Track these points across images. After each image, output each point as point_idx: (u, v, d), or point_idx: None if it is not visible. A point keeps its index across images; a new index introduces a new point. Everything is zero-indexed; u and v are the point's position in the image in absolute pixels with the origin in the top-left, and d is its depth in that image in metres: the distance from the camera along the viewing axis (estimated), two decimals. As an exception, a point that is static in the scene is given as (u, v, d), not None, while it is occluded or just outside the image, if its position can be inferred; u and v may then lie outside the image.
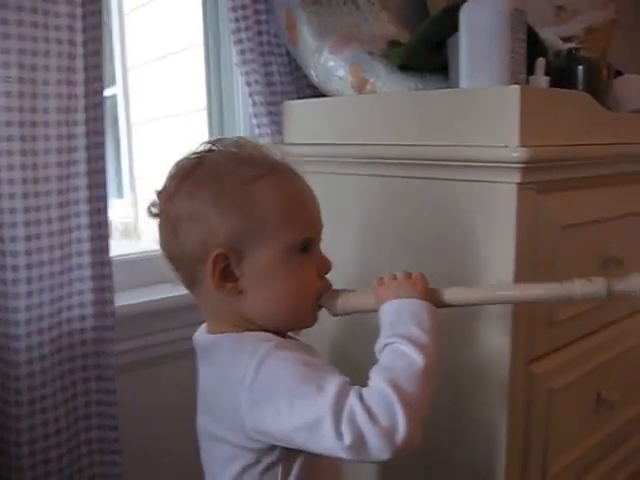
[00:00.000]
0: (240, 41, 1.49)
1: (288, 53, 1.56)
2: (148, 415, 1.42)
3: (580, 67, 1.45)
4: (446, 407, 1.22)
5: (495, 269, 1.11)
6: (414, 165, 1.21)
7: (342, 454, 0.73)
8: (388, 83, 1.36)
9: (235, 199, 0.84)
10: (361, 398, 0.74)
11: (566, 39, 1.61)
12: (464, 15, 1.21)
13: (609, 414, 1.44)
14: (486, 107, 1.10)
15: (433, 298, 0.88)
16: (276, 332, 0.88)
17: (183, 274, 0.89)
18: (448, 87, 1.28)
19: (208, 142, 0.91)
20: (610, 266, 1.35)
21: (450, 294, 0.89)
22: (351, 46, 1.43)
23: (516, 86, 1.07)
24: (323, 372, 0.78)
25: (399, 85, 1.34)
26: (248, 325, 0.87)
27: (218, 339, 0.88)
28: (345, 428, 0.72)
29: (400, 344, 0.79)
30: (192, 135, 1.89)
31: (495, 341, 1.14)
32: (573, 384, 1.30)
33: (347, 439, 0.72)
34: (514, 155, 1.05)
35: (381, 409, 0.73)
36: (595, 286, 0.85)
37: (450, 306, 0.89)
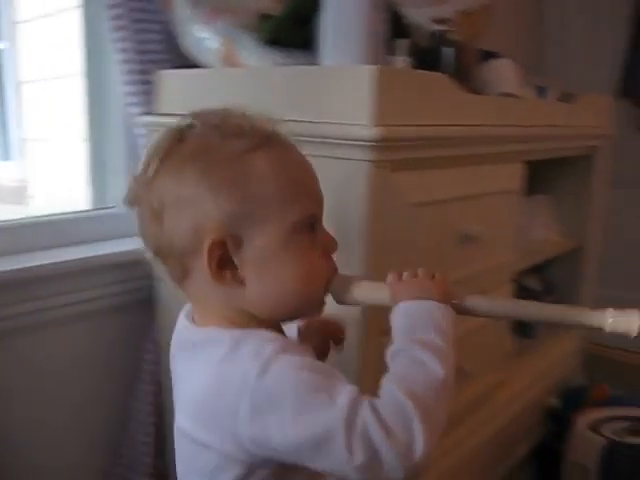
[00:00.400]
0: (115, 5, 1.46)
1: (164, 21, 1.54)
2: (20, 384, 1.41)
3: (447, 49, 1.50)
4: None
5: (348, 246, 1.14)
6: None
7: (351, 473, 0.66)
8: (256, 57, 1.37)
9: (226, 177, 0.74)
10: (376, 411, 0.67)
11: (440, 21, 1.66)
12: (329, -8, 1.23)
13: (466, 382, 1.51)
14: (344, 85, 1.13)
15: (454, 303, 0.81)
16: (274, 324, 0.81)
17: (171, 267, 0.79)
18: (313, 64, 1.30)
19: (186, 116, 0.80)
20: (467, 243, 1.41)
21: (473, 301, 0.83)
22: (223, 17, 1.43)
23: (371, 66, 1.09)
24: (332, 380, 0.70)
25: (266, 60, 1.35)
26: (247, 319, 0.78)
27: (214, 334, 0.77)
28: (357, 444, 0.65)
29: (418, 351, 0.72)
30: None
31: (349, 315, 1.17)
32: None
33: (359, 456, 0.65)
34: (368, 133, 1.08)
35: (398, 422, 0.66)
36: (627, 323, 0.78)
37: (469, 314, 0.83)
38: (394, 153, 1.13)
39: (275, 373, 0.69)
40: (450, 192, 1.35)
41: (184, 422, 0.78)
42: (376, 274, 1.15)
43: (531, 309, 0.86)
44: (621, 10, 2.83)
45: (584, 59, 3.03)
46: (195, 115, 0.80)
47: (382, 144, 1.09)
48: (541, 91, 1.83)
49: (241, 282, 0.76)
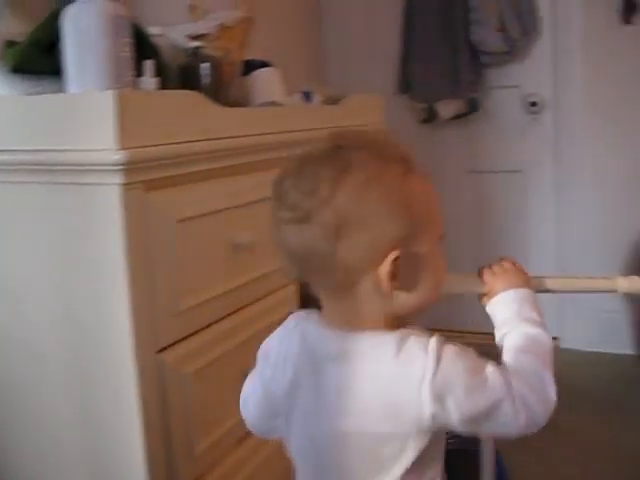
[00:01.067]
0: None
1: None
2: None
3: (204, 65, 1.54)
4: (77, 404, 1.24)
5: (108, 269, 1.15)
6: (21, 170, 1.19)
7: (515, 431, 0.86)
8: (5, 86, 1.33)
9: (399, 200, 0.84)
10: (522, 379, 0.86)
11: (197, 37, 1.69)
12: (67, 20, 1.22)
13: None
14: (88, 112, 1.12)
15: (535, 286, 1.03)
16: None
17: (332, 279, 0.86)
18: (61, 91, 1.28)
19: (331, 137, 0.91)
20: (240, 252, 1.45)
21: (546, 283, 1.07)
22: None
23: (112, 91, 1.10)
24: (479, 360, 0.86)
25: (14, 89, 1.32)
26: (394, 320, 0.88)
27: (379, 337, 0.86)
28: (520, 407, 0.84)
29: (531, 328, 0.94)
30: None
31: (119, 335, 1.17)
32: (211, 365, 1.38)
33: (522, 416, 0.84)
34: (114, 157, 1.08)
35: (538, 384, 0.87)
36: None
37: (544, 292, 1.06)
38: (145, 173, 1.15)
39: (446, 361, 0.83)
40: (217, 204, 1.38)
41: (357, 422, 0.86)
42: (144, 299, 1.17)
43: (576, 283, 1.15)
44: (395, 12, 3.00)
45: (367, 61, 3.19)
46: (339, 137, 0.90)
47: (130, 166, 1.10)
48: (307, 96, 1.91)
49: (404, 289, 0.87)
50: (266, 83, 1.76)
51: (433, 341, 0.84)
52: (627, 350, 2.91)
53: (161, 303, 1.22)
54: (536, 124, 2.94)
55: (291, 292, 1.71)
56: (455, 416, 0.83)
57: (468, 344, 0.85)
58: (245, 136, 1.45)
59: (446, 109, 2.89)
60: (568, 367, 2.80)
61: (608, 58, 2.80)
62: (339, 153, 0.86)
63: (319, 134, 1.75)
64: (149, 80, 1.29)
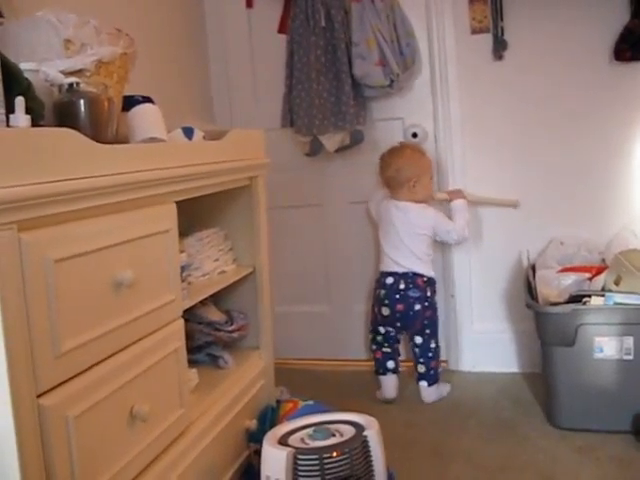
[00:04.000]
0: None
1: None
2: None
3: (80, 101, 1.51)
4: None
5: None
6: None
7: (452, 240, 2.87)
8: None
9: (418, 162, 2.86)
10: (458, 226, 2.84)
11: (77, 72, 1.66)
12: None
13: (144, 427, 1.53)
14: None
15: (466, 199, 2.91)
16: None
17: (401, 183, 2.84)
18: None
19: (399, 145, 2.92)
20: (122, 289, 1.43)
21: (472, 197, 2.95)
22: None
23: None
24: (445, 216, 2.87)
25: None
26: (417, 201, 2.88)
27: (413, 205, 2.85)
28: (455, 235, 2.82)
29: (463, 219, 2.85)
30: None
31: None
32: (96, 407, 1.35)
33: (455, 237, 2.82)
34: (-16, 198, 1.05)
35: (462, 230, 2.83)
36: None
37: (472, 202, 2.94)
38: (18, 213, 1.12)
39: (434, 214, 2.85)
40: (97, 242, 1.36)
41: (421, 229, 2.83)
42: (20, 342, 1.14)
43: (483, 197, 2.99)
44: (280, 47, 3.06)
45: (253, 96, 3.23)
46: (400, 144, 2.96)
47: (4, 206, 1.07)
48: (188, 132, 1.91)
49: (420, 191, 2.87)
50: (146, 119, 1.75)
51: (430, 209, 2.83)
52: (511, 368, 3.04)
53: (40, 346, 1.19)
54: (419, 155, 3.05)
55: (177, 327, 1.70)
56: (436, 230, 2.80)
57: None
58: (124, 173, 1.44)
59: (331, 141, 2.95)
60: (455, 389, 2.90)
61: (482, 93, 2.95)
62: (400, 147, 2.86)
63: (200, 170, 1.79)
64: (21, 117, 1.26)
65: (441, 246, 3.06)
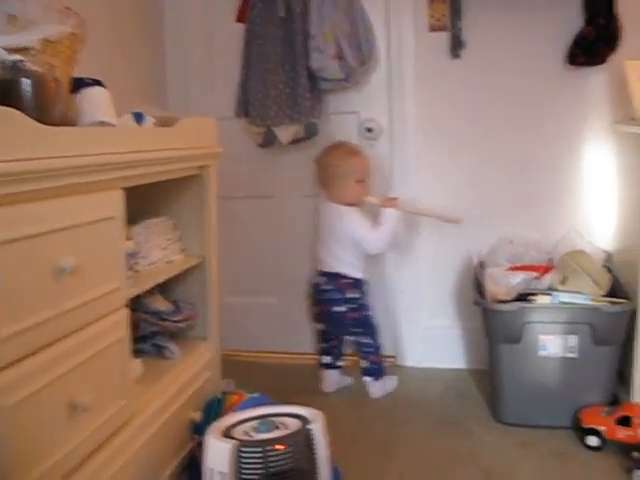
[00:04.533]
0: None
1: None
2: None
3: (25, 80, 1.46)
4: None
5: None
6: None
7: (369, 248, 2.75)
8: None
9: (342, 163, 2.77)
10: (380, 234, 2.72)
11: (21, 50, 1.61)
12: None
13: (84, 417, 1.49)
14: None
15: (400, 208, 2.75)
16: None
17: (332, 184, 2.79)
18: None
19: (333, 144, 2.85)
20: (64, 276, 1.40)
21: (408, 207, 2.82)
22: None
23: None
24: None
25: None
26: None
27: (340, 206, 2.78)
28: (375, 243, 2.73)
29: (389, 228, 2.70)
30: None
31: None
32: (35, 396, 1.32)
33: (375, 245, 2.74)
34: None
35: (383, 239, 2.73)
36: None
37: (408, 212, 2.85)
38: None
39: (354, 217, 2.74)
40: (39, 227, 1.33)
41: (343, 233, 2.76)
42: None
43: (423, 210, 2.92)
44: (236, 37, 3.02)
45: (209, 84, 3.20)
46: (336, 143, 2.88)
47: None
48: (138, 117, 1.88)
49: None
50: (95, 102, 1.71)
51: (354, 213, 2.73)
52: (458, 365, 3.07)
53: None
54: (373, 150, 3.04)
55: (122, 316, 1.67)
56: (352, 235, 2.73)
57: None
58: (70, 156, 1.40)
59: (285, 133, 2.93)
60: (402, 384, 2.91)
61: (438, 90, 2.96)
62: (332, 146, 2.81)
63: (149, 156, 1.76)
64: (-39, 96, 1.22)
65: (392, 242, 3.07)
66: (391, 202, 2.73)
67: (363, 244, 2.73)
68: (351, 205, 2.74)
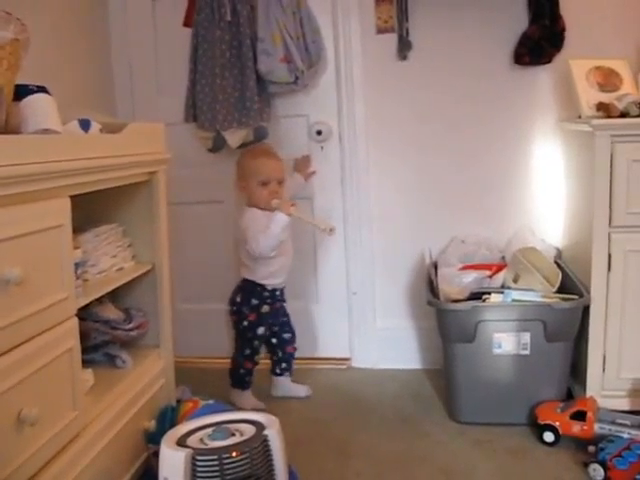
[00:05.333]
0: None
1: None
2: None
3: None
4: None
5: None
6: None
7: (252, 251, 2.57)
8: None
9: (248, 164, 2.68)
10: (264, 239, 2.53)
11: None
12: None
13: (33, 430, 1.46)
14: None
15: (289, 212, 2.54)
16: None
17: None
18: None
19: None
20: (10, 287, 1.37)
21: (294, 211, 2.55)
22: None
23: None
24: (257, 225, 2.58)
25: None
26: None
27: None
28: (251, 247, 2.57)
29: (274, 232, 2.51)
30: None
31: None
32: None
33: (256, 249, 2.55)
34: None
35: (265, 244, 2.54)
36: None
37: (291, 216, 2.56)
38: None
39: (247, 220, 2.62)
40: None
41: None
42: None
43: (304, 215, 2.74)
44: (183, 40, 2.99)
45: (156, 90, 3.16)
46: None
47: None
48: (84, 124, 1.84)
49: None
50: (39, 109, 1.67)
51: (248, 213, 2.62)
52: (413, 365, 3.08)
53: None
54: (323, 153, 3.04)
55: (71, 326, 1.64)
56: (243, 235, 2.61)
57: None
58: (13, 165, 1.37)
59: (234, 137, 2.91)
60: (358, 385, 2.92)
61: (387, 92, 2.98)
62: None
63: (96, 163, 1.73)
64: None
65: (344, 243, 3.07)
66: (285, 205, 2.55)
67: (248, 244, 2.59)
68: (260, 209, 2.63)
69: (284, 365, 2.85)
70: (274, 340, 2.81)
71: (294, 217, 2.58)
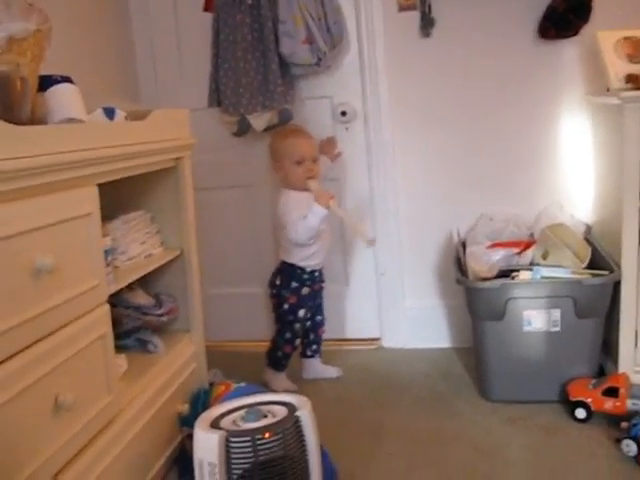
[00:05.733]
0: None
1: None
2: None
3: (-9, 80, 1.45)
4: None
5: None
6: None
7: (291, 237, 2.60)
8: None
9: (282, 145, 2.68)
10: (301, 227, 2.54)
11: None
12: None
13: (70, 415, 1.48)
14: None
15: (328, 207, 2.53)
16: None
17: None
18: None
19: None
20: (42, 275, 1.39)
21: (338, 211, 2.61)
22: None
23: None
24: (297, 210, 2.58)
25: None
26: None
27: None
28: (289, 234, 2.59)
29: (309, 221, 2.52)
30: None
31: None
32: (20, 397, 1.32)
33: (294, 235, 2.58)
34: None
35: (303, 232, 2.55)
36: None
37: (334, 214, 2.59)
38: None
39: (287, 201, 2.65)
40: (14, 227, 1.32)
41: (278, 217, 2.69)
42: None
43: (347, 217, 2.82)
44: (205, 26, 2.99)
45: (179, 76, 3.17)
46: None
47: None
48: (109, 113, 1.86)
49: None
50: (64, 99, 1.69)
51: (288, 196, 2.64)
52: (443, 344, 3.08)
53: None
54: (348, 134, 3.04)
55: (103, 312, 1.66)
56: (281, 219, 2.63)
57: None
58: (40, 155, 1.39)
59: (258, 121, 2.91)
60: (388, 365, 2.93)
61: (410, 70, 2.95)
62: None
63: (122, 151, 1.74)
64: None
65: (372, 224, 3.07)
66: (324, 198, 2.53)
67: (286, 230, 2.62)
68: (297, 189, 2.64)
69: (314, 347, 2.86)
70: (308, 323, 2.80)
71: (336, 214, 2.61)
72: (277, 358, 2.74)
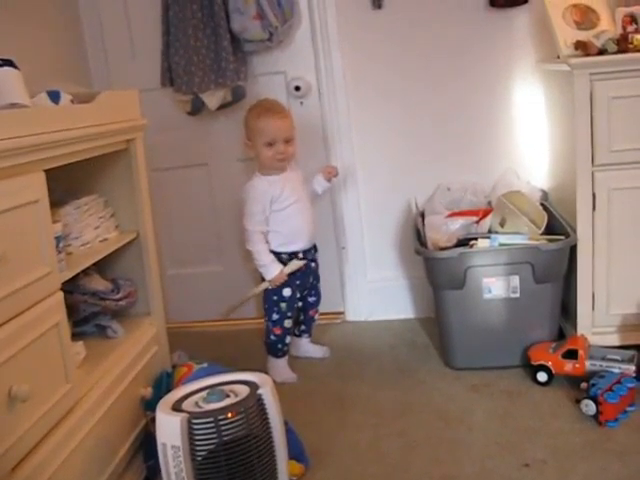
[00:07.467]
0: None
1: None
2: None
3: None
4: None
5: None
6: None
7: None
8: None
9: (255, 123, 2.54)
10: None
11: None
12: None
13: (26, 407, 1.46)
14: None
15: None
16: None
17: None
18: None
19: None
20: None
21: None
22: None
23: None
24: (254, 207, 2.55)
25: None
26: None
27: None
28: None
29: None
30: None
31: None
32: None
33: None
34: None
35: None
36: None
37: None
38: None
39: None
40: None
41: None
42: None
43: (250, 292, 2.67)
44: (154, 4, 2.94)
45: (130, 56, 3.10)
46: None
47: None
48: (54, 96, 1.82)
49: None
50: (5, 84, 1.65)
51: (251, 183, 2.57)
52: (407, 315, 3.11)
53: None
54: (303, 108, 3.01)
55: (56, 300, 1.63)
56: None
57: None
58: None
59: (212, 99, 2.88)
60: (353, 338, 2.94)
61: (363, 42, 2.93)
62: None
63: (69, 135, 1.70)
64: None
65: (330, 197, 3.06)
66: (278, 281, 2.55)
67: (244, 218, 2.57)
68: (267, 170, 2.56)
69: (303, 327, 2.83)
70: (300, 303, 2.74)
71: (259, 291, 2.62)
72: (271, 342, 2.67)
